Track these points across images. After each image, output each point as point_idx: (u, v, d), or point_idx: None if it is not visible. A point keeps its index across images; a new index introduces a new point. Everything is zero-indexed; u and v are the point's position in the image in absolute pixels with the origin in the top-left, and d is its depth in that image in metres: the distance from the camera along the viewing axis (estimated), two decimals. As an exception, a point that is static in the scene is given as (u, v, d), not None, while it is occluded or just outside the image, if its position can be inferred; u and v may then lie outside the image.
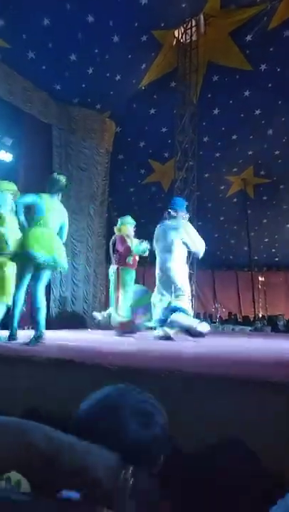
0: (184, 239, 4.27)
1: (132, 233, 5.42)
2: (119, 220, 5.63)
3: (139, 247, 5.16)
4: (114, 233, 5.56)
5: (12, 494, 0.42)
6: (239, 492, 1.18)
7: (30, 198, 3.45)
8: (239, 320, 12.21)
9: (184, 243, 4.28)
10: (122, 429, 0.67)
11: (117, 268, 5.21)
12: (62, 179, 3.59)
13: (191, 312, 4.33)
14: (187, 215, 4.67)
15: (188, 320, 4.01)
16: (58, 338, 3.93)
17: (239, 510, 1.16)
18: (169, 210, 4.53)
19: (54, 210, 3.46)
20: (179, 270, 4.20)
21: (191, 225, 4.51)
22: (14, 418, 0.44)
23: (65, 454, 0.42)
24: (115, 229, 5.54)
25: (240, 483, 1.20)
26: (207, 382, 1.56)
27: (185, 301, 4.12)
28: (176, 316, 4.00)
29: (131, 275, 5.25)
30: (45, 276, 3.32)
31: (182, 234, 4.28)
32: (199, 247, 4.34)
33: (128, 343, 3.65)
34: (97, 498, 0.42)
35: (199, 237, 4.38)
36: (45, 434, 0.43)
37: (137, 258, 5.34)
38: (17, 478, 0.49)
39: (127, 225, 5.45)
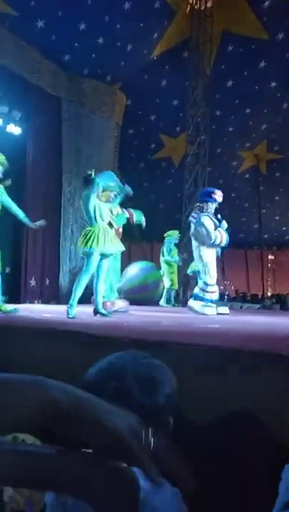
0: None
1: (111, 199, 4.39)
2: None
3: (120, 217, 4.60)
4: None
5: (24, 446, 0.42)
6: (253, 460, 1.20)
7: None
8: (248, 298, 12.22)
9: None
10: (125, 394, 0.69)
11: None
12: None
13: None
14: (208, 206, 4.49)
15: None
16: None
17: (254, 474, 1.18)
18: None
19: None
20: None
21: (206, 218, 4.38)
22: (37, 376, 0.44)
23: (86, 411, 0.42)
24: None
25: (254, 451, 1.22)
26: (219, 355, 1.57)
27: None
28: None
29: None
30: None
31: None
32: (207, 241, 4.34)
33: (140, 318, 3.69)
34: (118, 455, 0.42)
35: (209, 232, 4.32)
36: (64, 389, 0.43)
37: (121, 230, 4.73)
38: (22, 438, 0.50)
39: (109, 191, 4.35)
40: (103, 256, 3.64)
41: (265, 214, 12.14)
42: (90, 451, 0.43)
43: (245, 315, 5.26)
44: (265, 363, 1.48)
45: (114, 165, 8.93)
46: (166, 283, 7.16)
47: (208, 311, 4.30)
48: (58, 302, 7.13)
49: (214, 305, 4.40)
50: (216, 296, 4.45)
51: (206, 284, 4.43)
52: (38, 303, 7.12)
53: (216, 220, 4.36)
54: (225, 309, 4.65)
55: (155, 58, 9.01)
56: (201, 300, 4.45)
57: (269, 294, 12.82)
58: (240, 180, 11.96)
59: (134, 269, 7.34)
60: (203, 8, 9.24)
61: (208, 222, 4.30)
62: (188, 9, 9.27)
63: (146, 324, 3.09)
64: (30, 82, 7.13)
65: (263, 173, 11.72)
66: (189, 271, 7.37)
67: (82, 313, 3.61)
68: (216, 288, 4.47)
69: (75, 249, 8.20)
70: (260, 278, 12.95)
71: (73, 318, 3.32)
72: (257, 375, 1.46)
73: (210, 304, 4.36)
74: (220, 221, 4.38)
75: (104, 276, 3.81)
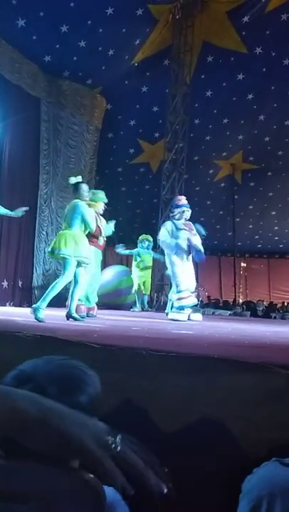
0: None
1: (101, 211, 4.83)
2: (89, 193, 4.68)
3: (108, 228, 4.83)
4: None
5: None
6: (216, 468, 1.25)
7: None
8: (220, 304, 12.44)
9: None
10: (43, 394, 0.66)
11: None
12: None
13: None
14: (177, 212, 4.74)
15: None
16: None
17: (216, 484, 1.23)
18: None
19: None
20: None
21: (166, 224, 4.65)
22: (2, 386, 0.45)
23: (52, 420, 0.42)
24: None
25: (218, 459, 1.27)
26: (189, 361, 1.62)
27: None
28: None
29: (100, 257, 4.83)
30: None
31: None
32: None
33: (108, 324, 3.71)
34: (84, 465, 0.42)
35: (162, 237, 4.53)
36: (32, 399, 0.43)
37: (105, 239, 4.93)
38: None
39: (100, 202, 4.79)
40: (79, 263, 3.65)
41: (239, 222, 12.42)
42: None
43: (217, 321, 5.38)
44: (232, 370, 1.54)
45: (92, 168, 8.93)
46: (134, 286, 7.24)
47: (179, 317, 4.36)
48: (30, 305, 7.03)
49: (185, 311, 4.47)
50: (188, 301, 4.49)
51: (177, 290, 4.51)
52: (10, 305, 7.00)
53: (179, 226, 4.52)
54: (198, 316, 4.75)
55: (136, 64, 9.09)
56: (172, 306, 4.54)
57: (240, 300, 13.10)
58: (216, 189, 12.19)
59: (109, 273, 7.35)
60: (184, 18, 9.41)
61: (162, 229, 4.55)
62: (170, 18, 9.42)
63: (116, 329, 3.11)
64: (9, 81, 7.04)
65: (238, 182, 12.00)
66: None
67: (52, 316, 3.59)
68: (187, 294, 4.51)
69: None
70: (232, 284, 13.21)
71: (41, 321, 3.23)
72: (225, 382, 1.52)
73: (181, 310, 4.42)
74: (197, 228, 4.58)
75: (85, 283, 3.83)
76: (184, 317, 4.40)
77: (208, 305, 11.87)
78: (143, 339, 2.38)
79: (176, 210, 4.76)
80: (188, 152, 9.92)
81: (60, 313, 3.88)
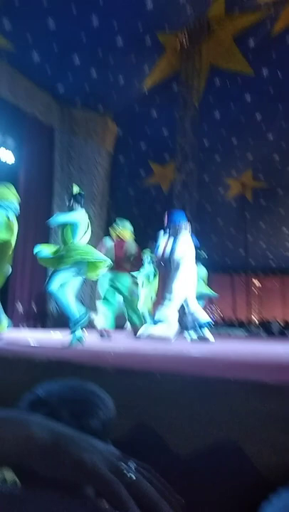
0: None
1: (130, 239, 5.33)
2: (118, 222, 5.42)
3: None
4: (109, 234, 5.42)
5: (2, 487, 0.41)
6: (232, 493, 1.24)
7: None
8: (234, 324, 12.28)
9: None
10: (54, 418, 0.66)
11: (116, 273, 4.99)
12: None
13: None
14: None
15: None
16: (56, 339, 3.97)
17: (231, 510, 1.22)
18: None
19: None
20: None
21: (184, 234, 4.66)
22: (14, 410, 0.44)
23: (66, 446, 0.41)
24: (115, 232, 5.32)
25: (234, 484, 1.26)
26: (203, 383, 1.62)
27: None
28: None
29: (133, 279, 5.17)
30: None
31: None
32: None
33: (124, 345, 3.71)
34: (97, 492, 0.41)
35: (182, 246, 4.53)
36: (45, 425, 0.43)
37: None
38: (12, 478, 0.48)
39: (129, 231, 5.32)
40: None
41: (251, 241, 12.38)
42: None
43: (232, 341, 5.31)
44: (249, 392, 1.53)
45: (104, 191, 9.11)
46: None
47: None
48: (44, 327, 7.08)
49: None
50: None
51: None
52: (24, 327, 7.06)
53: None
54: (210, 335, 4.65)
55: (146, 90, 9.37)
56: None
57: (255, 319, 12.90)
58: (227, 207, 12.25)
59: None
60: (192, 44, 9.72)
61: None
62: (178, 45, 9.74)
63: (130, 351, 3.11)
64: (24, 111, 7.33)
65: (249, 200, 12.04)
66: None
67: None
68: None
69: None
70: (245, 304, 13.06)
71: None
72: (242, 405, 1.51)
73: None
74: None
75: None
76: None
77: (222, 325, 11.72)
78: (157, 361, 2.38)
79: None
80: (198, 173, 10.05)
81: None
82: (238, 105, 10.00)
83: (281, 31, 9.06)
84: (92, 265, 3.53)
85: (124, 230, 5.27)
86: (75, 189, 3.78)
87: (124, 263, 4.99)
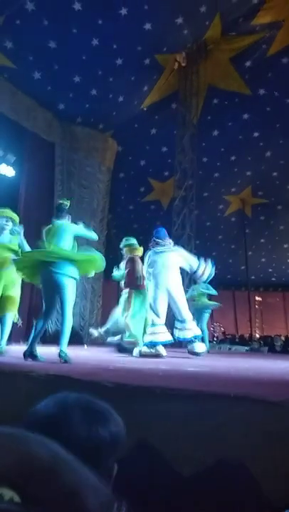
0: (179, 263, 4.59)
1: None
2: (127, 240, 5.51)
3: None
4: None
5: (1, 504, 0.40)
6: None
7: None
8: (236, 340, 12.16)
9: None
10: (66, 421, 0.68)
11: (130, 290, 5.01)
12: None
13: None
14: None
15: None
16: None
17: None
18: (157, 240, 4.72)
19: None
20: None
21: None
22: (18, 429, 0.45)
23: (64, 472, 0.40)
24: (128, 249, 5.37)
25: (237, 503, 1.21)
26: (202, 400, 1.58)
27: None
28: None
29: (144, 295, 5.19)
30: None
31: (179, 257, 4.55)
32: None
33: (124, 361, 3.65)
34: None
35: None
36: (45, 446, 0.42)
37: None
38: (10, 495, 0.49)
39: (139, 247, 5.42)
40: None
41: (251, 256, 12.39)
42: None
43: (234, 357, 5.24)
44: (250, 409, 1.49)
45: (104, 207, 9.15)
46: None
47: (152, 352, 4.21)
48: (44, 343, 6.99)
49: (156, 348, 4.29)
50: (162, 337, 4.33)
51: (152, 323, 4.42)
52: (24, 343, 6.97)
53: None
54: (202, 346, 4.52)
55: (145, 109, 9.54)
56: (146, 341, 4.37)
57: (257, 335, 12.79)
58: (227, 223, 12.31)
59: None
60: (190, 65, 9.95)
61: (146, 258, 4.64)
62: (176, 66, 9.97)
63: (130, 367, 3.06)
64: (25, 128, 7.43)
65: (249, 216, 12.11)
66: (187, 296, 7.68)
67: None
68: (163, 329, 4.38)
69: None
70: (248, 319, 12.97)
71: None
72: (243, 421, 1.47)
73: (154, 347, 4.27)
74: None
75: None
76: (161, 352, 4.27)
77: (224, 341, 11.60)
78: (157, 377, 2.34)
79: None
80: (197, 189, 10.13)
81: (72, 351, 3.84)
82: (236, 123, 10.17)
83: (276, 52, 9.30)
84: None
85: (136, 247, 5.38)
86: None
87: (137, 280, 5.02)
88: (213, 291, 7.45)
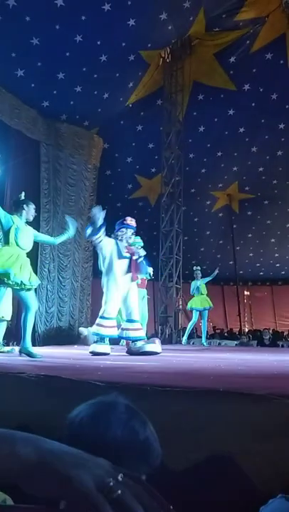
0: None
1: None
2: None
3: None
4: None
5: None
6: (226, 506, 1.21)
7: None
8: (225, 334, 12.28)
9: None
10: (110, 430, 0.70)
11: None
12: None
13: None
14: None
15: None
16: (48, 354, 3.90)
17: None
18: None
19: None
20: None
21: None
22: (1, 429, 0.43)
23: (52, 463, 0.40)
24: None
25: (228, 499, 1.23)
26: (191, 396, 1.59)
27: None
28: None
29: (142, 294, 5.20)
30: None
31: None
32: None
33: (114, 360, 3.66)
34: (83, 509, 0.40)
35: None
36: (31, 442, 0.42)
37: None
38: (2, 498, 0.49)
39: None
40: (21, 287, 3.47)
41: (239, 251, 12.48)
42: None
43: (223, 352, 5.29)
44: (239, 403, 1.51)
45: (92, 205, 9.10)
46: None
47: (98, 349, 3.89)
48: (33, 344, 6.94)
49: (105, 343, 4.07)
50: (112, 331, 4.09)
51: (102, 316, 4.10)
52: (13, 345, 6.91)
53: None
54: (156, 346, 4.12)
55: (130, 105, 9.50)
56: (95, 335, 4.08)
57: (246, 329, 12.92)
58: (215, 219, 12.36)
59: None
60: (174, 61, 9.94)
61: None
62: (160, 62, 9.96)
63: (120, 365, 3.07)
64: (9, 126, 7.33)
65: (236, 211, 12.18)
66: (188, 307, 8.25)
67: (54, 354, 3.55)
68: (113, 322, 4.12)
69: (52, 289, 8.14)
70: (236, 314, 13.08)
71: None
72: (232, 416, 1.49)
73: (102, 341, 4.01)
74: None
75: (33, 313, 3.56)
76: (105, 349, 3.97)
77: (214, 335, 11.70)
78: (147, 374, 2.35)
79: (123, 231, 4.62)
80: (184, 185, 10.16)
81: (58, 350, 3.83)
82: (222, 119, 10.21)
83: (260, 48, 9.36)
84: None
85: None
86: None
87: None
88: (208, 278, 8.09)
